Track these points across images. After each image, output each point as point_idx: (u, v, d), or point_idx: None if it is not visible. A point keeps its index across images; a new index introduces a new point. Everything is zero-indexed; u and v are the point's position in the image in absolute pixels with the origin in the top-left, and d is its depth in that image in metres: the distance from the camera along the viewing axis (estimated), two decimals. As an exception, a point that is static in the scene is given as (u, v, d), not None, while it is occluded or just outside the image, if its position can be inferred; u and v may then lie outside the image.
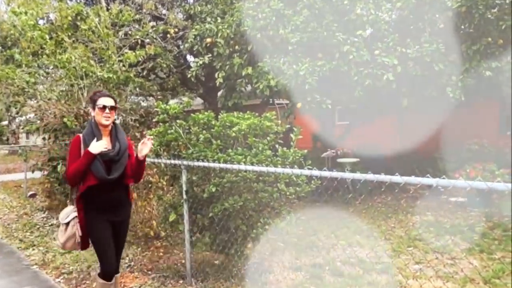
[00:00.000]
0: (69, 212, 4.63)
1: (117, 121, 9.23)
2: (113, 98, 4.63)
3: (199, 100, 19.93)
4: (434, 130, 15.37)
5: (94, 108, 4.55)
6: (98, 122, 4.52)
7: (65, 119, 8.66)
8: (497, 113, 15.05)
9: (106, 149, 4.44)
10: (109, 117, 4.52)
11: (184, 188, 6.08)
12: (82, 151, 4.39)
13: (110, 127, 4.61)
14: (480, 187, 3.20)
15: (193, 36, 12.27)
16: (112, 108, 4.56)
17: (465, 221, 9.40)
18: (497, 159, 12.33)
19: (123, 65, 9.80)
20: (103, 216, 4.54)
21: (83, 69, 9.18)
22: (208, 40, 12.00)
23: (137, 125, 9.69)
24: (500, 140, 13.64)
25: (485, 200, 10.53)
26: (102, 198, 4.50)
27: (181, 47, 13.08)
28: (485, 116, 14.87)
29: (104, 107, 4.50)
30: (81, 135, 4.49)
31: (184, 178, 6.06)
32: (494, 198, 10.82)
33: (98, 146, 4.37)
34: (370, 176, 3.76)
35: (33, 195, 14.60)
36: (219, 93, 15.17)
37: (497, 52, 10.28)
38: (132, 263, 7.27)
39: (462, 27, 10.57)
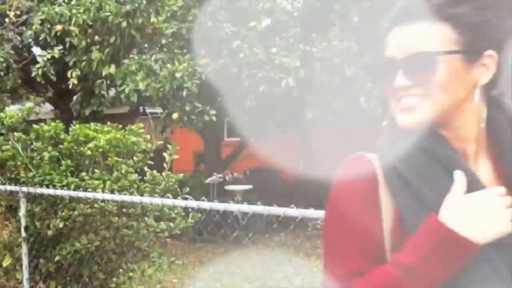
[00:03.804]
0: None
1: None
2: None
3: (48, 107, 19.54)
4: (345, 151, 16.00)
5: None
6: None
7: None
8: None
9: None
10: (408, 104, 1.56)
11: (23, 223, 6.05)
12: (385, 221, 1.61)
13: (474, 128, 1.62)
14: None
15: (40, 21, 12.11)
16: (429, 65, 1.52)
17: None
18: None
19: None
20: None
21: None
22: (58, 27, 11.88)
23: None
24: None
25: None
26: None
27: (24, 35, 12.85)
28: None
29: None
30: (375, 164, 1.66)
31: (23, 209, 6.04)
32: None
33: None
34: (259, 208, 3.91)
35: None
36: (74, 98, 14.99)
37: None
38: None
39: (380, 20, 11.09)
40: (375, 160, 1.64)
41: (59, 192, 5.57)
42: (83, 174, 5.99)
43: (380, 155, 1.65)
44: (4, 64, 12.98)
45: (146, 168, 6.18)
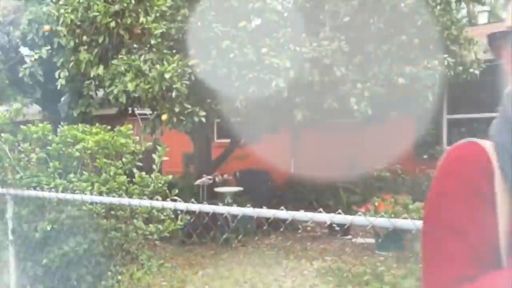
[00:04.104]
0: None
1: None
2: None
3: (36, 108, 19.48)
4: (336, 152, 16.00)
5: None
6: None
7: None
8: (412, 131, 15.87)
9: None
10: None
11: (11, 226, 6.05)
12: (501, 219, 1.31)
13: None
14: (383, 225, 3.25)
15: (27, 21, 12.07)
16: None
17: (372, 268, 9.93)
18: (412, 189, 13.00)
19: None
20: None
21: None
22: (46, 27, 11.84)
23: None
24: (416, 165, 14.29)
25: (395, 241, 11.05)
26: None
27: (12, 35, 12.82)
28: (398, 136, 15.57)
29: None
30: (490, 154, 1.38)
31: (10, 212, 6.04)
32: (407, 239, 11.43)
33: None
34: (249, 210, 3.94)
35: None
36: (62, 99, 14.94)
37: (412, 55, 10.85)
38: None
39: (371, 21, 11.08)
40: (490, 148, 1.37)
41: (46, 194, 5.56)
42: (71, 176, 5.99)
43: (495, 143, 1.37)
44: (-9, 65, 12.98)
45: (135, 170, 6.19)
